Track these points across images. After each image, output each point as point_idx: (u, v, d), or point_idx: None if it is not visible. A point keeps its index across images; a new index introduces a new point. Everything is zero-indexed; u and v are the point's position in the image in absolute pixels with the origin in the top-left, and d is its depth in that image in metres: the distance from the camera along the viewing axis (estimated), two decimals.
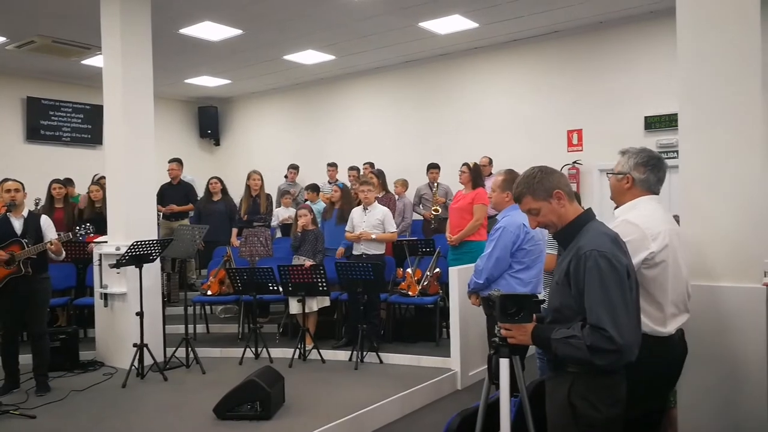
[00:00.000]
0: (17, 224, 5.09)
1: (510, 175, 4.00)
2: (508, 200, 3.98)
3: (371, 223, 6.27)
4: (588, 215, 2.39)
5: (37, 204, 7.75)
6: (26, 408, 4.60)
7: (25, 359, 5.23)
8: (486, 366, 2.49)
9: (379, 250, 6.30)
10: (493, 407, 2.50)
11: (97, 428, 4.27)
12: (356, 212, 6.46)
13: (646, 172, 2.70)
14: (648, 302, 2.52)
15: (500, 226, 3.96)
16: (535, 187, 2.37)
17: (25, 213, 5.19)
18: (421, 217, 8.42)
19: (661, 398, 2.69)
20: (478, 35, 9.02)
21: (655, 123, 8.14)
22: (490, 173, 8.11)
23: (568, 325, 2.21)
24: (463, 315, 5.26)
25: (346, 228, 6.51)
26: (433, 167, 8.45)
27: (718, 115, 3.05)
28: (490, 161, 8.27)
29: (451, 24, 8.45)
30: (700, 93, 3.10)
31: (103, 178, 8.39)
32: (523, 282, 3.93)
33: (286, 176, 10.38)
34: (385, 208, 6.47)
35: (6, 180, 5.47)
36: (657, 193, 2.74)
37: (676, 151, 8.17)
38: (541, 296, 4.00)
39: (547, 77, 9.11)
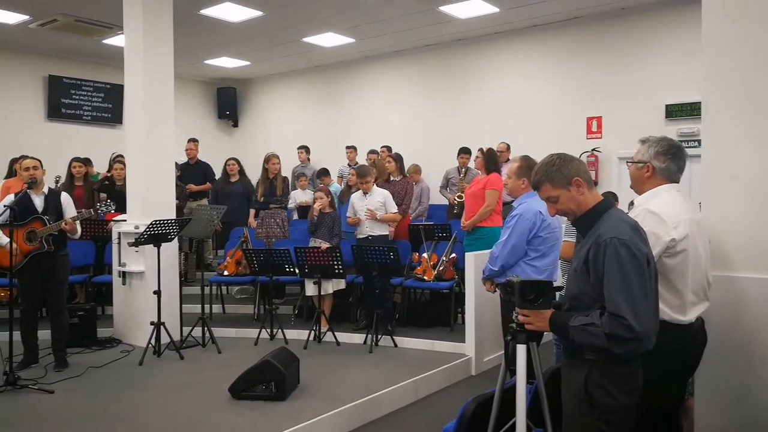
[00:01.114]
0: (38, 201, 5.16)
1: (526, 161, 3.97)
2: (524, 187, 3.95)
3: (372, 206, 6.36)
4: (607, 203, 2.37)
5: (57, 182, 7.82)
6: (45, 383, 4.68)
7: (44, 335, 5.32)
8: (502, 352, 2.48)
9: (383, 230, 6.38)
10: (508, 393, 2.50)
11: (115, 405, 4.34)
12: (356, 197, 6.52)
13: (667, 161, 2.67)
14: (668, 290, 2.50)
15: (516, 213, 3.93)
16: (554, 174, 2.35)
17: (45, 190, 5.25)
18: (446, 202, 8.39)
19: (679, 387, 2.68)
20: (498, 20, 8.90)
21: (677, 111, 8.01)
22: (508, 159, 8.04)
23: (586, 313, 2.20)
24: (478, 301, 5.25)
25: (348, 214, 6.53)
26: (464, 152, 8.37)
27: (743, 104, 2.97)
28: (508, 147, 8.20)
29: (471, 8, 8.35)
30: (725, 82, 3.02)
31: (121, 156, 8.48)
32: (538, 270, 3.91)
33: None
34: (385, 191, 6.53)
35: (24, 157, 5.53)
36: (677, 182, 2.72)
37: (698, 140, 8.12)
38: (556, 284, 4.00)
39: (567, 63, 8.99)
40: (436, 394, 4.81)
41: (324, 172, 8.94)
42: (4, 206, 4.87)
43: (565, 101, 8.94)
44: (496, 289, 4.06)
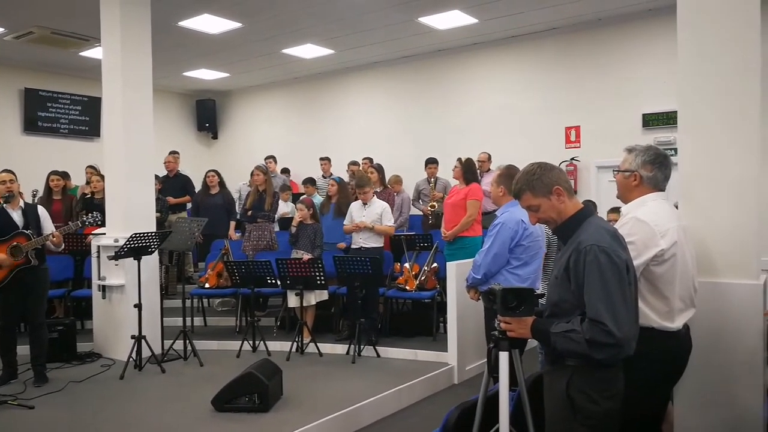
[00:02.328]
0: (16, 216, 5.08)
1: (507, 170, 4.03)
2: (501, 194, 4.03)
3: (371, 218, 6.35)
4: (587, 211, 2.41)
5: (34, 196, 7.73)
6: (24, 398, 4.61)
7: (23, 350, 5.23)
8: (484, 360, 2.51)
9: (377, 243, 6.34)
10: (491, 400, 2.52)
11: (96, 419, 4.28)
12: (355, 207, 6.49)
13: (654, 170, 2.72)
14: (656, 297, 2.55)
15: (499, 222, 3.98)
16: (535, 183, 2.39)
17: (22, 204, 5.18)
18: (420, 213, 8.43)
19: (666, 392, 2.72)
20: (477, 31, 9.02)
21: (653, 120, 8.17)
22: (489, 169, 8.13)
23: (567, 319, 2.23)
24: (460, 310, 5.29)
25: (345, 222, 6.53)
26: (432, 162, 8.45)
27: (718, 112, 3.06)
28: (489, 157, 8.28)
29: (450, 19, 8.45)
30: (700, 90, 3.12)
31: (92, 167, 8.40)
32: (521, 278, 3.95)
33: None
34: (384, 203, 6.53)
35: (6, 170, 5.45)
36: (663, 191, 2.77)
37: (674, 149, 8.23)
38: (538, 292, 4.05)
39: (545, 74, 9.13)
40: (419, 404, 4.82)
41: (310, 181, 8.92)
42: None
43: (544, 111, 9.06)
44: (480, 297, 4.10)
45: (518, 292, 2.40)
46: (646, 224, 2.57)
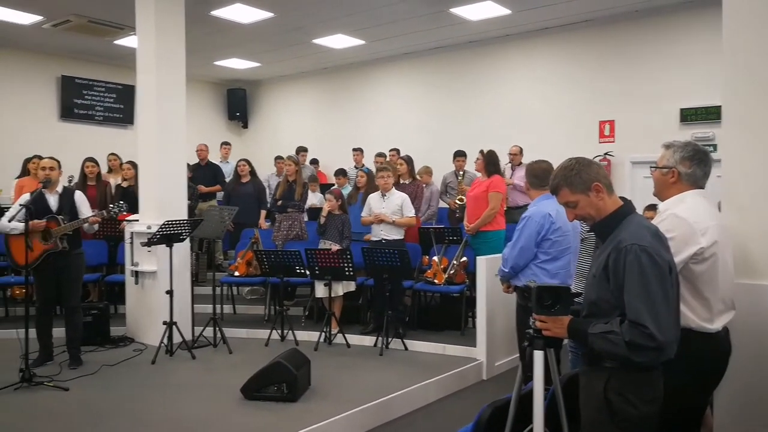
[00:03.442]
0: (52, 201, 5.20)
1: (536, 164, 4.00)
2: (526, 190, 4.04)
3: (390, 209, 6.28)
4: (627, 208, 2.35)
5: (70, 181, 7.85)
6: (60, 380, 4.73)
7: (59, 333, 5.35)
8: (514, 356, 2.48)
9: (398, 234, 6.30)
10: (525, 399, 2.49)
11: (129, 403, 4.36)
12: (374, 198, 6.45)
13: (693, 166, 2.64)
14: (696, 298, 2.49)
15: (526, 215, 3.96)
16: (573, 179, 2.33)
17: (59, 189, 5.29)
18: (447, 206, 8.37)
19: (704, 397, 2.66)
20: (509, 22, 8.89)
21: (692, 116, 7.96)
22: (521, 162, 8.03)
23: (606, 320, 2.19)
24: (490, 305, 5.24)
25: (362, 214, 6.51)
26: (460, 155, 8.33)
27: (763, 108, 2.96)
28: (521, 150, 8.16)
29: (482, 10, 8.34)
30: (747, 85, 3.01)
31: (113, 154, 8.54)
32: (549, 273, 3.91)
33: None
34: (404, 194, 6.46)
35: (40, 157, 5.57)
36: (703, 188, 2.69)
37: (713, 145, 8.05)
38: (573, 286, 4.00)
39: (579, 66, 8.96)
40: (448, 398, 4.80)
41: (341, 172, 8.93)
42: (20, 205, 4.92)
43: (577, 104, 8.92)
44: (512, 290, 4.07)
45: (554, 290, 2.36)
46: (685, 221, 2.51)
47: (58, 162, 5.34)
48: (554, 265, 3.93)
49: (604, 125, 8.71)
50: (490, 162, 6.08)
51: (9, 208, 5.74)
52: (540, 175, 3.89)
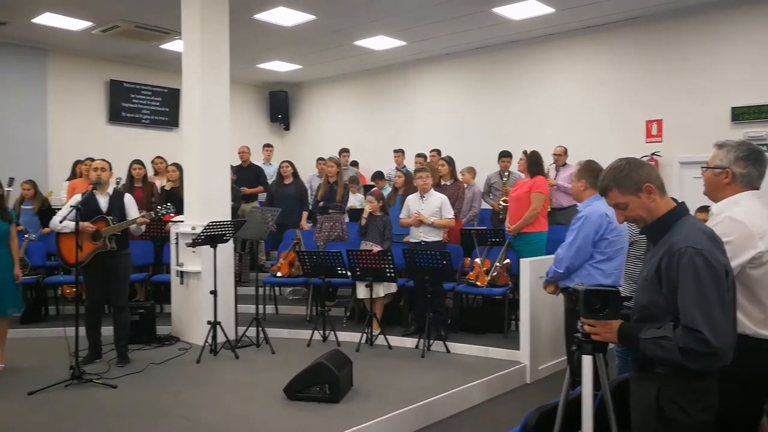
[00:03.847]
0: (103, 202, 5.35)
1: (587, 164, 3.93)
2: (582, 189, 3.95)
3: (429, 211, 6.23)
4: (681, 210, 2.27)
5: (117, 183, 8.07)
6: (108, 378, 4.86)
7: (108, 331, 5.49)
8: (558, 360, 2.42)
9: (437, 236, 6.25)
10: (572, 404, 2.43)
11: (174, 401, 4.45)
12: (412, 199, 6.41)
13: (747, 167, 2.54)
14: (752, 303, 2.39)
15: (582, 215, 3.89)
16: (623, 180, 2.26)
17: (110, 191, 5.44)
18: (490, 207, 8.27)
19: (759, 403, 2.55)
20: (553, 21, 8.75)
21: (744, 114, 7.69)
22: (565, 163, 7.89)
23: (658, 325, 2.11)
24: (533, 307, 5.16)
25: (401, 215, 6.48)
26: (505, 155, 8.21)
27: None
28: (566, 151, 8.01)
29: (525, 9, 8.23)
30: None
31: (159, 157, 8.74)
32: (604, 273, 3.85)
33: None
34: (443, 195, 6.41)
35: (91, 159, 5.74)
36: (758, 189, 2.58)
37: (766, 144, 7.77)
38: (622, 290, 3.90)
39: (624, 65, 8.75)
40: (491, 402, 4.74)
41: (378, 176, 8.94)
42: (71, 206, 5.07)
43: (623, 104, 8.71)
44: (559, 292, 4.00)
45: (603, 293, 2.29)
46: (742, 224, 2.41)
47: (109, 164, 5.50)
48: (609, 265, 3.89)
49: (651, 125, 8.48)
50: (533, 162, 5.99)
51: (60, 209, 5.93)
52: (598, 175, 3.82)
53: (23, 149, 9.72)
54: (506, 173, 8.08)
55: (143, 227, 5.42)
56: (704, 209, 4.91)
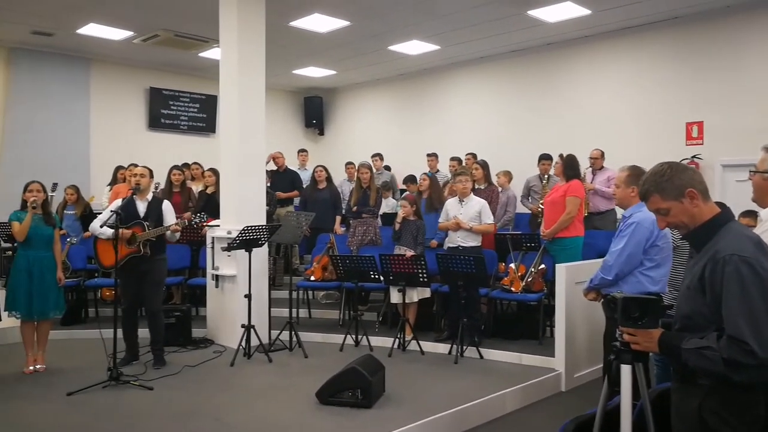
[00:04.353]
0: (141, 207, 5.46)
1: (635, 170, 3.83)
2: (633, 195, 3.84)
3: (468, 215, 6.15)
4: (726, 215, 2.19)
5: (156, 188, 8.26)
6: (145, 379, 4.94)
7: (145, 333, 5.59)
8: (595, 368, 2.36)
9: (476, 242, 6.17)
10: (610, 415, 2.36)
11: (209, 403, 4.49)
12: (451, 203, 6.35)
13: None
14: None
15: (633, 221, 3.80)
16: (665, 185, 2.19)
17: (149, 197, 5.55)
18: (529, 211, 8.15)
19: None
20: (590, 22, 8.60)
21: None
22: (602, 166, 7.73)
23: (701, 335, 2.04)
24: (569, 314, 5.06)
25: (440, 219, 6.43)
26: (545, 158, 8.01)
27: None
28: (602, 154, 7.85)
29: (561, 11, 8.11)
30: None
31: (196, 163, 8.87)
32: (653, 280, 3.79)
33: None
34: (482, 200, 6.33)
35: (133, 165, 5.86)
36: None
37: None
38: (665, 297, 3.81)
39: (664, 66, 8.54)
40: (525, 409, 4.66)
41: (410, 179, 8.92)
42: (111, 211, 5.19)
43: (663, 106, 8.50)
44: (603, 298, 3.91)
45: (641, 301, 2.22)
46: None
47: (150, 170, 5.63)
48: (658, 272, 3.83)
49: (692, 127, 8.24)
50: (569, 166, 5.89)
51: (101, 213, 6.08)
52: None
53: (67, 155, 10.02)
54: (546, 176, 7.93)
55: (178, 234, 5.48)
56: (748, 214, 4.74)
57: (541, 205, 7.55)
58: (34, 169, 8.41)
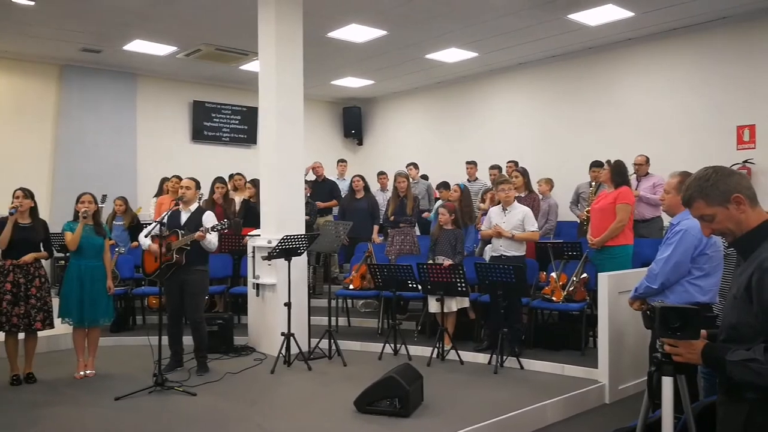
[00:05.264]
0: (184, 217, 5.61)
1: (686, 176, 3.71)
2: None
3: (511, 224, 6.08)
4: None
5: (199, 200, 8.44)
6: (188, 385, 5.04)
7: (189, 340, 5.70)
8: (641, 379, 2.30)
9: (519, 251, 6.08)
10: (652, 428, 2.29)
11: (250, 410, 4.55)
12: (494, 212, 6.29)
13: None
14: None
15: (681, 228, 3.66)
16: (709, 190, 2.12)
17: (192, 207, 5.68)
18: (577, 218, 8.00)
19: None
20: (632, 25, 8.43)
21: None
22: (647, 173, 7.54)
23: (747, 346, 1.96)
24: (613, 324, 4.93)
25: (482, 227, 6.36)
26: (596, 165, 7.81)
27: None
28: (647, 160, 7.65)
29: (603, 14, 7.97)
30: None
31: (238, 174, 9.03)
32: (702, 290, 3.63)
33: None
34: (526, 208, 6.25)
35: (178, 177, 5.99)
36: None
37: None
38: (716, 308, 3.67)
39: (713, 68, 8.29)
40: (567, 422, 4.55)
41: (444, 185, 8.88)
42: (156, 222, 5.34)
43: (711, 109, 8.25)
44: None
45: (681, 311, 2.15)
46: None
47: (196, 182, 5.76)
48: (707, 281, 3.66)
49: (743, 130, 7.97)
50: (617, 172, 5.76)
51: (148, 224, 6.26)
52: None
53: (115, 167, 10.36)
54: (594, 183, 7.76)
55: (215, 243, 5.50)
56: None
57: (586, 213, 7.41)
58: (84, 181, 8.72)
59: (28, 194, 5.32)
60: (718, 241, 3.62)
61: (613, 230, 5.62)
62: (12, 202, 5.26)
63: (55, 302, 5.41)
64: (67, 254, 5.89)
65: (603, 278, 5.02)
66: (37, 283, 5.24)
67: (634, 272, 5.12)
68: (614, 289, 4.95)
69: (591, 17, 8.07)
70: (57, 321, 5.40)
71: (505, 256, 6.02)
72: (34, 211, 5.38)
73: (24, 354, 5.31)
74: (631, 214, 5.78)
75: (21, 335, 5.29)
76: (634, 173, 7.60)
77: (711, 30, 8.26)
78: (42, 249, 5.35)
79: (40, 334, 5.39)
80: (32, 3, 7.37)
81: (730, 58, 8.12)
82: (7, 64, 9.78)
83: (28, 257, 5.20)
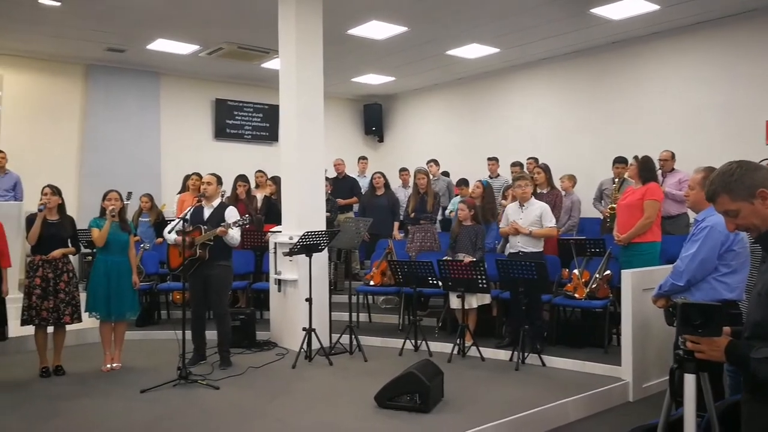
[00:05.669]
0: (207, 212, 5.68)
1: (710, 171, 3.65)
2: None
3: (529, 220, 6.04)
4: None
5: (222, 196, 8.52)
6: (212, 379, 5.11)
7: (213, 335, 5.78)
8: (665, 377, 2.27)
9: (537, 247, 6.04)
10: (674, 426, 2.27)
11: (271, 404, 4.61)
12: (512, 208, 6.25)
13: None
14: None
15: (707, 224, 3.59)
16: (733, 185, 2.08)
17: (215, 203, 5.75)
18: (600, 214, 7.91)
19: None
20: (658, 19, 8.30)
21: None
22: (673, 168, 7.43)
23: None
24: (636, 321, 4.87)
25: (500, 225, 6.33)
26: (620, 161, 7.74)
27: None
28: (673, 156, 7.54)
29: (627, 8, 7.87)
30: None
31: (260, 171, 9.11)
32: (729, 287, 3.57)
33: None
34: (543, 204, 6.21)
35: (198, 174, 6.07)
36: None
37: None
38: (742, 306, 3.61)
39: (739, 61, 8.14)
40: (589, 419, 4.52)
41: (463, 182, 8.85)
42: (179, 218, 5.42)
43: (739, 103, 8.10)
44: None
45: (703, 308, 2.12)
46: None
47: (218, 178, 5.83)
48: (734, 278, 3.60)
49: None
50: (644, 168, 5.68)
51: (172, 220, 6.36)
52: None
53: (139, 164, 10.52)
54: (619, 180, 7.67)
55: (237, 238, 5.56)
56: None
57: (610, 209, 7.33)
58: (109, 178, 8.88)
59: (55, 191, 5.44)
60: (744, 237, 3.55)
61: (641, 227, 5.53)
62: (40, 199, 5.38)
63: (83, 297, 5.52)
64: (94, 250, 6.01)
65: (626, 275, 4.97)
66: (65, 278, 5.35)
67: (659, 269, 5.06)
68: (638, 286, 4.90)
69: (615, 11, 7.97)
70: (84, 315, 5.51)
71: (522, 252, 5.98)
72: (61, 207, 5.50)
73: (53, 347, 5.43)
74: (659, 210, 5.69)
75: (50, 329, 5.41)
76: (660, 169, 7.49)
77: (738, 23, 8.11)
78: (70, 245, 5.46)
79: (68, 327, 5.50)
80: (58, 4, 7.51)
81: (757, 52, 7.97)
82: (35, 64, 9.98)
83: (57, 253, 5.31)
